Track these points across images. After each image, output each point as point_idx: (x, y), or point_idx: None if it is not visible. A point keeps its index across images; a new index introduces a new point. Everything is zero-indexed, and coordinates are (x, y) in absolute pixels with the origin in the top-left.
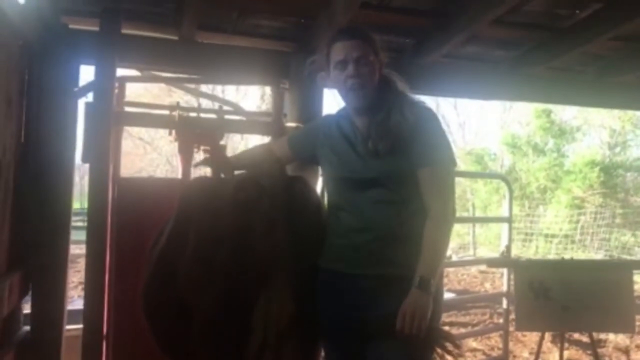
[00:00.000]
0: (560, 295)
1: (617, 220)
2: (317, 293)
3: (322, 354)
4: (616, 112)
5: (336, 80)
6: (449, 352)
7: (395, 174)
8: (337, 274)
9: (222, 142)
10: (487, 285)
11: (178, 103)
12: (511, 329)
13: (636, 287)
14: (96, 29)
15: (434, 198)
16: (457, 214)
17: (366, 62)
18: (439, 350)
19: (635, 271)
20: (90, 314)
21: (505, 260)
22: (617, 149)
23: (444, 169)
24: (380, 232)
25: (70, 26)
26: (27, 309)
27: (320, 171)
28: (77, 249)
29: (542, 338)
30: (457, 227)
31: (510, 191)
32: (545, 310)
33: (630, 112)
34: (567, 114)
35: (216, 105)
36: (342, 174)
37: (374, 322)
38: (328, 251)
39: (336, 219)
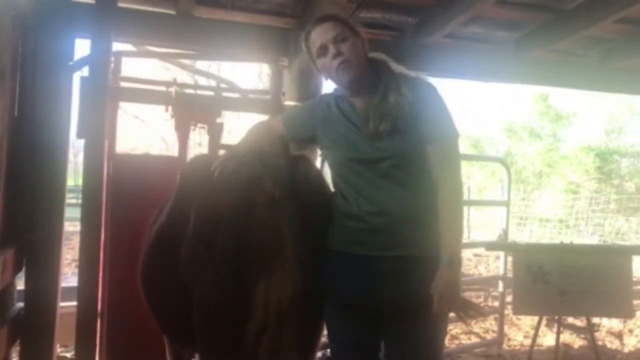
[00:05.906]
0: (559, 279)
1: (612, 206)
2: (330, 275)
3: (325, 334)
4: (613, 98)
5: (324, 67)
6: (472, 317)
7: (405, 153)
8: (356, 256)
9: (219, 120)
10: (481, 269)
11: (175, 79)
12: (506, 312)
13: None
14: (92, 1)
15: (443, 173)
16: None
17: (344, 39)
18: (461, 315)
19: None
20: (85, 291)
21: (504, 244)
22: (613, 135)
23: (450, 143)
24: (397, 215)
25: None
26: (21, 285)
27: (318, 152)
28: (71, 227)
29: (539, 322)
30: None
31: (509, 175)
32: (543, 294)
33: (627, 98)
34: (564, 98)
35: (213, 83)
36: (350, 155)
37: (396, 303)
38: (343, 233)
39: (346, 201)
